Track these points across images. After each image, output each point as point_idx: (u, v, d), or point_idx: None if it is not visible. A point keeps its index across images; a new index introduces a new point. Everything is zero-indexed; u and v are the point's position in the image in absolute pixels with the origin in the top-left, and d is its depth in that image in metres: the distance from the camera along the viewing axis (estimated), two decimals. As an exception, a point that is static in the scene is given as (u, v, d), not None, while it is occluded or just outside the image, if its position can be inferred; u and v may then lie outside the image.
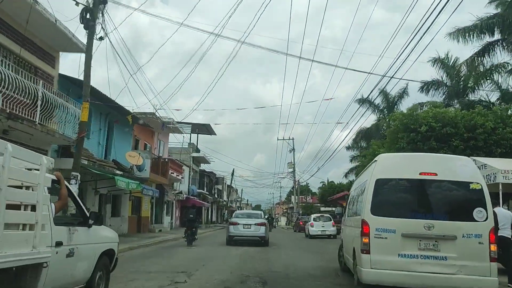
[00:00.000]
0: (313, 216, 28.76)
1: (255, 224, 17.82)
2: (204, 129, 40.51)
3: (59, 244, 4.41)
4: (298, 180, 51.73)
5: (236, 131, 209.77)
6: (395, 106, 42.92)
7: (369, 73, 18.11)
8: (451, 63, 25.55)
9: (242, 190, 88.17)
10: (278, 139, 50.89)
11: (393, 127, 17.31)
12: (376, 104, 43.57)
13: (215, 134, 44.34)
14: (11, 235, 3.48)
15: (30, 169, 3.95)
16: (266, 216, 29.06)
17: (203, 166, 48.10)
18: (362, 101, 44.78)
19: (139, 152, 20.94)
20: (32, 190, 3.85)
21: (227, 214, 68.71)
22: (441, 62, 25.60)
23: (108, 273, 5.97)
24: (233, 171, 55.22)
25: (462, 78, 24.80)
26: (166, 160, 25.97)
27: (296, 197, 51.07)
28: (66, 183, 4.80)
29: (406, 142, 15.53)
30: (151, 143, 25.90)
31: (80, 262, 4.97)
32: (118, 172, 17.39)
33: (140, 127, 22.92)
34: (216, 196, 53.53)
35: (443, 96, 25.46)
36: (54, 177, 4.46)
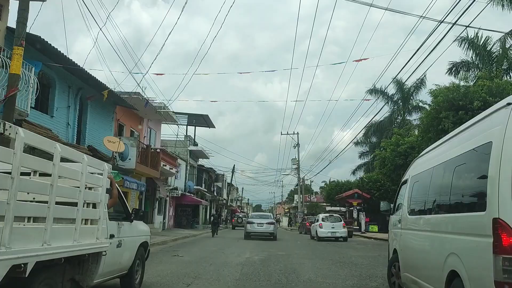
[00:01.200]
0: (321, 215, 25.50)
1: (266, 223, 23.25)
2: (201, 120, 37.25)
3: (112, 236, 5.34)
4: (303, 178, 48.44)
5: (237, 130, 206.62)
6: (411, 98, 39.68)
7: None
8: (481, 42, 22.25)
9: (242, 188, 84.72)
10: (281, 134, 47.66)
11: (433, 104, 13.96)
12: (389, 94, 40.34)
13: (213, 127, 41.22)
14: (85, 228, 4.39)
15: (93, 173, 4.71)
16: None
17: (203, 163, 44.89)
18: (375, 92, 41.60)
19: (121, 138, 17.65)
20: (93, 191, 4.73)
21: (227, 214, 65.48)
22: (469, 42, 22.29)
23: (144, 261, 6.83)
24: (233, 167, 51.95)
25: (495, 59, 21.52)
26: (157, 150, 22.67)
27: (301, 195, 47.73)
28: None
29: (452, 122, 12.24)
30: (139, 131, 22.64)
31: (125, 252, 5.97)
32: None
33: (124, 111, 19.70)
34: (215, 194, 50.25)
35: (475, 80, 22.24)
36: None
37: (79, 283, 4.69)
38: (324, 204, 52.30)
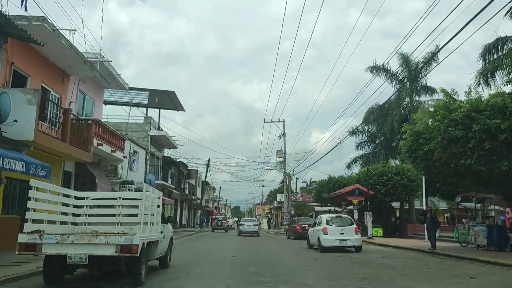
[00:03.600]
0: (325, 217, 18.66)
1: (252, 225, 33.20)
2: (166, 99, 29.90)
3: (161, 232, 9.26)
4: (289, 173, 41.60)
5: (216, 131, 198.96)
6: (420, 76, 33.45)
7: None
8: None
9: (220, 188, 77.42)
10: (265, 121, 40.65)
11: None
12: (394, 73, 34.03)
13: (183, 110, 33.85)
14: (152, 227, 8.32)
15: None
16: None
17: (173, 155, 37.47)
18: (376, 70, 35.28)
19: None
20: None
21: (203, 216, 57.98)
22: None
23: (171, 248, 10.78)
24: (208, 161, 44.46)
25: None
26: (89, 121, 15.31)
27: (287, 194, 40.86)
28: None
29: None
30: (61, 91, 15.22)
31: (165, 241, 9.79)
32: None
33: (31, 53, 12.36)
34: (187, 192, 42.80)
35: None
36: None
37: (147, 258, 8.12)
38: (314, 203, 45.67)
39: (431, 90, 34.22)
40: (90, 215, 8.65)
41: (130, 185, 22.68)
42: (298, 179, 47.93)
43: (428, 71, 32.13)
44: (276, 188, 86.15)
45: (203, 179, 52.06)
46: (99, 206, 8.98)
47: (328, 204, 41.12)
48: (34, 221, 7.09)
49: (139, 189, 14.46)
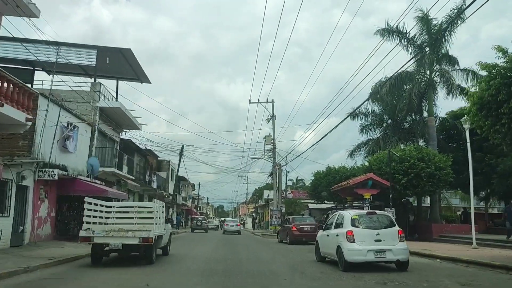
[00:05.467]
0: (349, 214, 11.67)
1: (235, 225, 38.48)
2: (122, 63, 22.66)
3: (164, 229, 12.99)
4: (279, 163, 34.77)
5: (200, 130, 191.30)
6: (444, 40, 27.12)
7: None
8: None
9: (199, 184, 70.22)
10: (250, 102, 33.66)
11: None
12: (410, 36, 27.61)
13: (148, 82, 26.68)
14: (159, 225, 12.09)
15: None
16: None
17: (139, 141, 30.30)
18: (388, 33, 28.80)
19: None
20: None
21: (179, 215, 50.79)
22: None
23: (170, 241, 14.42)
24: (182, 148, 37.10)
25: None
26: None
27: (277, 187, 33.95)
28: None
29: None
30: None
31: (166, 235, 13.27)
32: None
33: None
34: (156, 187, 35.51)
35: None
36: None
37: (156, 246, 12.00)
38: (308, 200, 38.97)
39: (453, 61, 28.04)
40: (116, 218, 12.49)
41: (51, 171, 15.53)
42: (288, 172, 41.13)
43: (453, 30, 25.77)
44: (260, 187, 79.62)
45: (190, 176, 44.82)
46: (121, 212, 12.80)
47: (325, 201, 34.59)
48: (87, 222, 11.25)
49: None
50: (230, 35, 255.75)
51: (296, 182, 75.51)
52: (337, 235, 11.15)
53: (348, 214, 11.50)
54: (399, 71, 23.29)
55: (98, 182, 20.05)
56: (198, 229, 39.83)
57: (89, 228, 10.90)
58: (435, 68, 27.71)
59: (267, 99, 33.77)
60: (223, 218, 67.39)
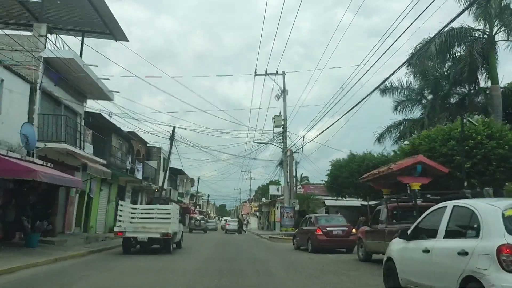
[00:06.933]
0: (498, 208, 4.99)
1: (234, 224, 43.94)
2: (85, 4, 16.39)
3: (178, 227, 17.38)
4: (291, 150, 28.48)
5: (201, 130, 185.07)
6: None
7: None
8: None
9: (199, 178, 64.12)
10: (256, 74, 27.31)
11: None
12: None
13: (124, 39, 20.50)
14: (175, 224, 15.67)
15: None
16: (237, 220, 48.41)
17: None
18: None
19: None
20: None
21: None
22: None
23: (182, 237, 17.79)
24: (173, 131, 30.71)
25: None
26: None
27: (288, 180, 27.61)
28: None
29: None
30: None
31: (179, 232, 16.95)
32: None
33: None
34: (140, 178, 29.28)
35: None
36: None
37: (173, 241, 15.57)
38: (324, 196, 32.60)
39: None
40: (140, 218, 15.58)
41: None
42: (298, 163, 34.67)
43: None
44: (264, 184, 73.38)
45: (191, 173, 38.62)
46: (144, 213, 16.29)
47: (346, 197, 28.29)
48: (119, 221, 15.14)
49: None
50: (232, 34, 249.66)
51: (300, 180, 69.40)
52: (463, 254, 4.92)
53: (490, 208, 5.17)
54: (451, 25, 16.95)
55: (39, 162, 13.89)
56: (196, 229, 39.57)
57: (121, 225, 14.60)
58: (494, 23, 21.39)
59: (276, 71, 27.35)
60: (226, 218, 69.33)
